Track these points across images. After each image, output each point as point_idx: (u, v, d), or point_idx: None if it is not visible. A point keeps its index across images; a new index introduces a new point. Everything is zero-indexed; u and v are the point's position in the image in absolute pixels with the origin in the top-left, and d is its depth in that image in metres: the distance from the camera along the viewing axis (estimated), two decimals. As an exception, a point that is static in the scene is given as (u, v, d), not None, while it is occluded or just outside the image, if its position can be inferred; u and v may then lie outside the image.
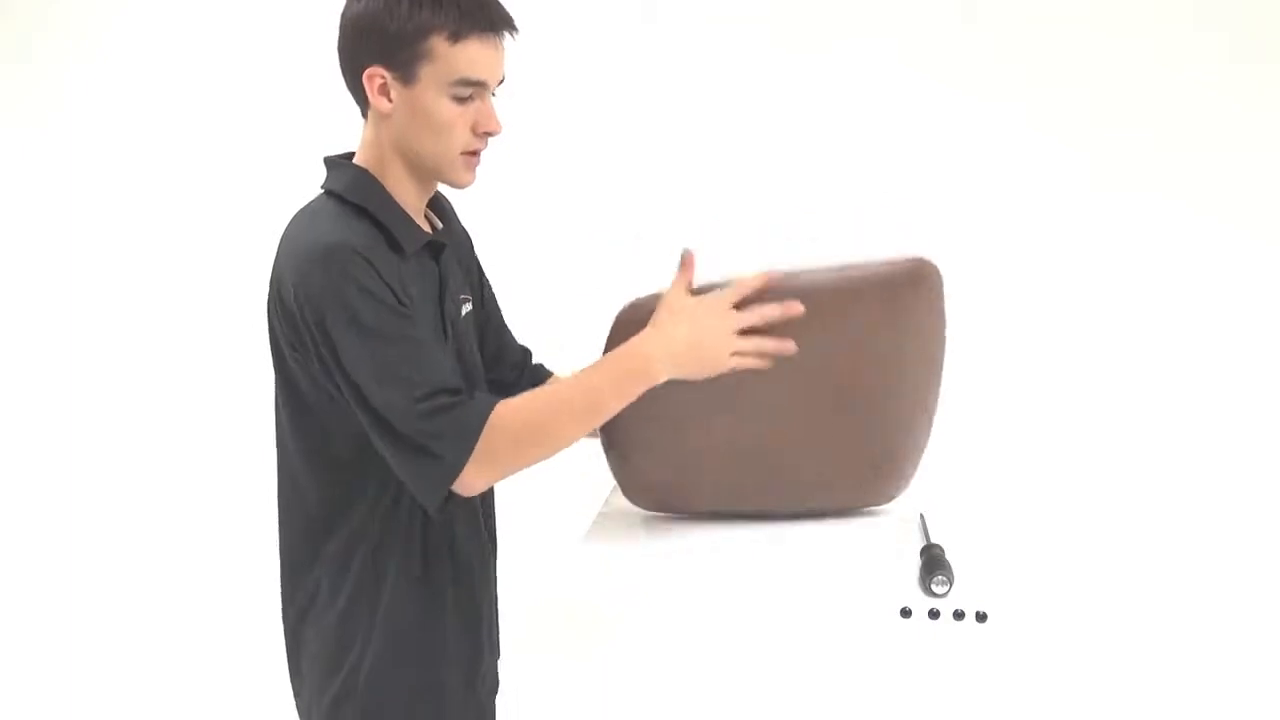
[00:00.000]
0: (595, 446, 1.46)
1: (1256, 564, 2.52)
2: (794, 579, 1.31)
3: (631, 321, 1.35)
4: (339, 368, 1.28)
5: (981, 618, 1.21)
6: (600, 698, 1.28)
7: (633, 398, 1.30)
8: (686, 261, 1.36)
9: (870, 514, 1.51)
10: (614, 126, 2.67)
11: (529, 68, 1.53)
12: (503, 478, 1.31)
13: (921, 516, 1.50)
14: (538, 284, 2.59)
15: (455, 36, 1.30)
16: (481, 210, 1.64)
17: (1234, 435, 2.54)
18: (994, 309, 2.56)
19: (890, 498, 1.49)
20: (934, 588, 1.25)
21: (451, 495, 1.28)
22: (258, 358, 1.50)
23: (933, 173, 2.59)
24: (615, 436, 1.42)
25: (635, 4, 2.65)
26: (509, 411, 1.27)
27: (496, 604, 1.61)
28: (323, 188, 1.39)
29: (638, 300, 1.39)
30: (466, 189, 1.41)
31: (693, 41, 2.63)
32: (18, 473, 2.99)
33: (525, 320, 1.78)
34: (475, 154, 1.38)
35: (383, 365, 1.26)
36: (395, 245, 1.35)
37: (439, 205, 1.53)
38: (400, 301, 1.29)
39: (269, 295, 1.37)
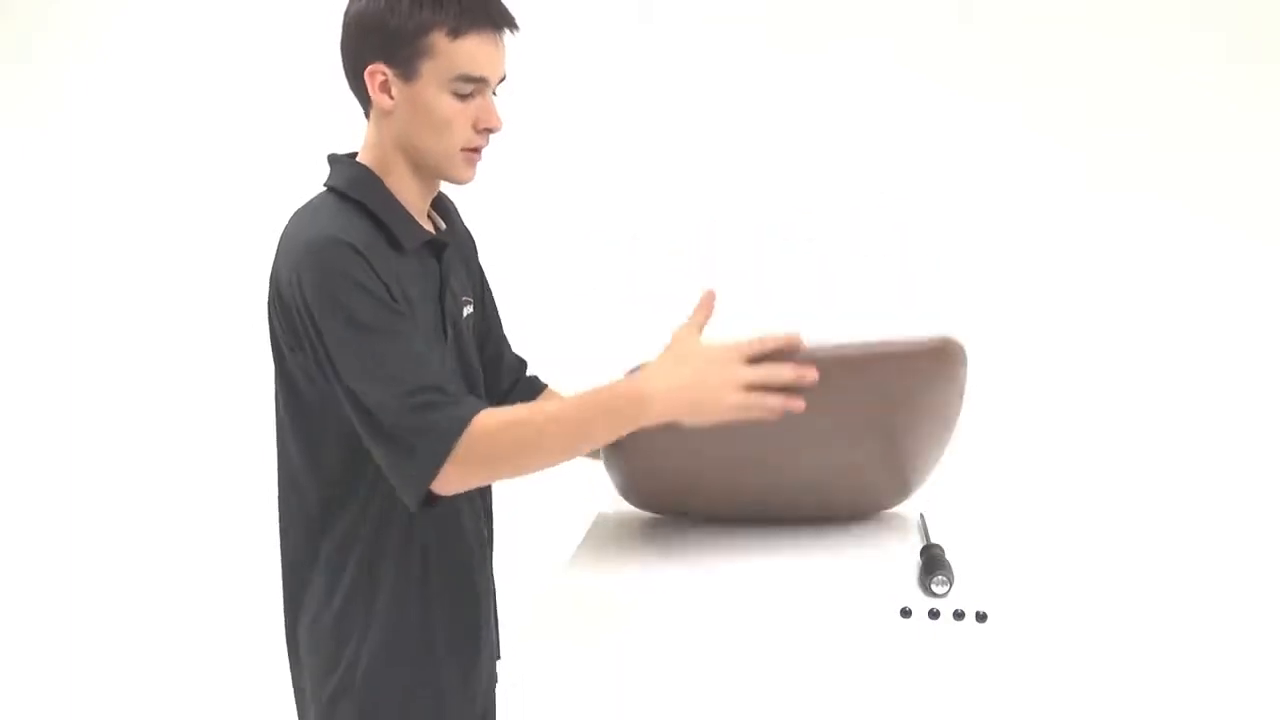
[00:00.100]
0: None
1: (1256, 563, 2.53)
2: (794, 579, 1.31)
3: None
4: (330, 362, 1.29)
5: (981, 618, 1.21)
6: (601, 697, 1.28)
7: (622, 433, 1.26)
8: (705, 301, 1.32)
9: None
10: (612, 126, 2.67)
11: (527, 67, 1.54)
12: (479, 484, 1.31)
13: (921, 516, 1.51)
14: (535, 283, 2.60)
15: (456, 33, 1.31)
16: (479, 210, 1.65)
17: (1233, 435, 2.54)
18: (993, 309, 2.56)
19: (894, 505, 1.51)
20: (934, 588, 1.25)
21: (435, 494, 1.28)
22: (258, 358, 1.50)
23: (930, 173, 2.59)
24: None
25: (633, 4, 2.65)
26: (493, 420, 1.25)
27: (496, 603, 1.62)
28: (325, 185, 1.40)
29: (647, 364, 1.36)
30: (466, 186, 1.42)
31: (690, 41, 2.64)
32: (18, 472, 2.99)
33: (523, 320, 1.78)
34: (476, 151, 1.39)
35: (373, 361, 1.27)
36: (394, 242, 1.36)
37: (442, 205, 1.54)
38: (394, 299, 1.30)
39: (269, 293, 1.37)
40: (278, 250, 1.35)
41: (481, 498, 1.55)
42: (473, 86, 1.34)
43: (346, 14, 1.36)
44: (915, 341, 1.29)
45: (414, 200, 1.41)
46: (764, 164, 2.64)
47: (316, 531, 1.41)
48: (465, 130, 1.35)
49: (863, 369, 1.28)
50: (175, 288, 2.87)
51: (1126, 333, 2.56)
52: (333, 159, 1.43)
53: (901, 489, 1.47)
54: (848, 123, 2.62)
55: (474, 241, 1.62)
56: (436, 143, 1.36)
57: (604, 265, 2.68)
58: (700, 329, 1.30)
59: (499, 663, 1.61)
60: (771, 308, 2.63)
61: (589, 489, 1.62)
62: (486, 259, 1.65)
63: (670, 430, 1.26)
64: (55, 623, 2.96)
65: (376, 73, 1.33)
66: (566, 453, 1.28)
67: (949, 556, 1.30)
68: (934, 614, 1.22)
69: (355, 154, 1.42)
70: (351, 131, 1.44)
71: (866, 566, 1.35)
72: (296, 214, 1.37)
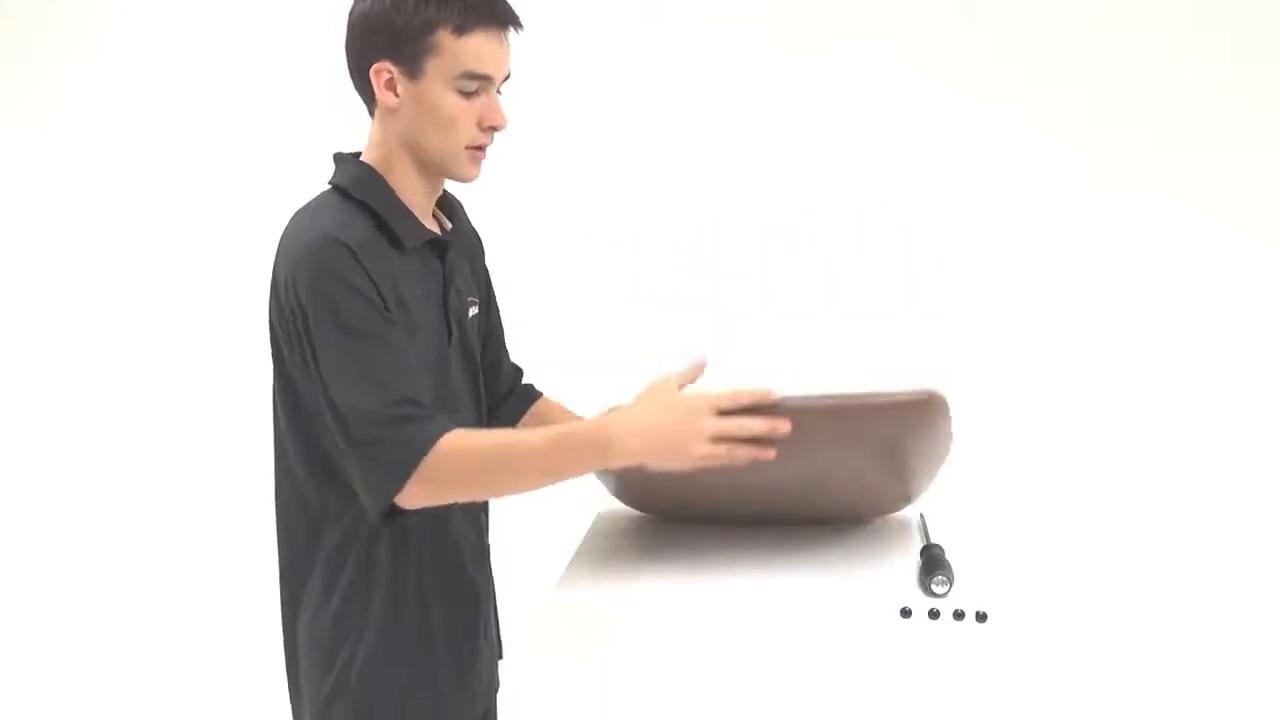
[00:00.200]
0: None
1: (1257, 563, 2.52)
2: (794, 579, 1.31)
3: None
4: (314, 361, 1.29)
5: (981, 618, 1.21)
6: (601, 698, 1.28)
7: (587, 470, 1.28)
8: (695, 366, 1.32)
9: (870, 514, 1.52)
10: (614, 126, 2.67)
11: (529, 67, 1.54)
12: (443, 502, 1.31)
13: (921, 516, 1.50)
14: (538, 283, 2.60)
15: (461, 30, 1.31)
16: (483, 209, 1.64)
17: (1234, 435, 2.54)
18: (993, 309, 2.56)
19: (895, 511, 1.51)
20: (934, 588, 1.25)
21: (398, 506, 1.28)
22: (259, 357, 1.50)
23: (933, 173, 2.59)
24: None
25: (635, 4, 2.65)
26: (463, 442, 1.26)
27: (495, 604, 1.61)
28: (329, 183, 1.40)
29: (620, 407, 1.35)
30: (470, 184, 1.42)
31: (693, 41, 2.63)
32: (18, 471, 2.99)
33: (526, 319, 1.78)
34: (481, 149, 1.39)
35: (355, 366, 1.27)
36: (396, 242, 1.36)
37: (449, 204, 1.53)
38: (386, 305, 1.30)
39: (270, 293, 1.37)
40: (278, 249, 1.36)
41: (480, 497, 1.55)
42: (478, 84, 1.34)
43: (352, 13, 1.36)
44: (894, 394, 1.26)
45: (418, 199, 1.41)
46: (767, 164, 2.64)
47: (314, 532, 1.41)
48: (470, 128, 1.36)
49: (839, 420, 1.26)
50: (176, 288, 2.87)
51: (1129, 333, 2.55)
52: (338, 157, 1.43)
53: (898, 503, 1.47)
54: (851, 123, 2.62)
55: (481, 242, 1.62)
56: (441, 140, 1.36)
57: (607, 265, 2.68)
58: (680, 386, 1.30)
59: (501, 663, 1.61)
60: (775, 307, 2.63)
61: (589, 488, 1.62)
62: (490, 258, 1.65)
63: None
64: (55, 622, 2.96)
65: (382, 70, 1.33)
66: (530, 485, 1.30)
67: (949, 556, 1.30)
68: (934, 614, 1.22)
69: (360, 153, 1.43)
70: (355, 130, 1.44)
71: (867, 566, 1.35)
72: (298, 213, 1.37)
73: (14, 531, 3.00)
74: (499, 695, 1.62)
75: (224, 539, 2.81)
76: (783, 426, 1.22)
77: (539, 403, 1.68)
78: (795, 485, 1.34)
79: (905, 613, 1.22)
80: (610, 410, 1.30)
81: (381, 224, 1.35)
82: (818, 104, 2.62)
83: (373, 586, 1.40)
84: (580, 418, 1.60)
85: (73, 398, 2.94)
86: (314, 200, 1.39)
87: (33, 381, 2.98)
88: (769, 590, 1.28)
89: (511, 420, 1.66)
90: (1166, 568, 2.50)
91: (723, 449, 1.22)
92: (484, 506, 1.58)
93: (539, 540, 2.00)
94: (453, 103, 1.34)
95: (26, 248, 2.95)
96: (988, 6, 2.54)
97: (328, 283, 1.27)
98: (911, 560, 1.34)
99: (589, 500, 1.63)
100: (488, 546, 1.59)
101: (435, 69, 1.32)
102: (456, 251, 1.48)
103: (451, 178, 1.42)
